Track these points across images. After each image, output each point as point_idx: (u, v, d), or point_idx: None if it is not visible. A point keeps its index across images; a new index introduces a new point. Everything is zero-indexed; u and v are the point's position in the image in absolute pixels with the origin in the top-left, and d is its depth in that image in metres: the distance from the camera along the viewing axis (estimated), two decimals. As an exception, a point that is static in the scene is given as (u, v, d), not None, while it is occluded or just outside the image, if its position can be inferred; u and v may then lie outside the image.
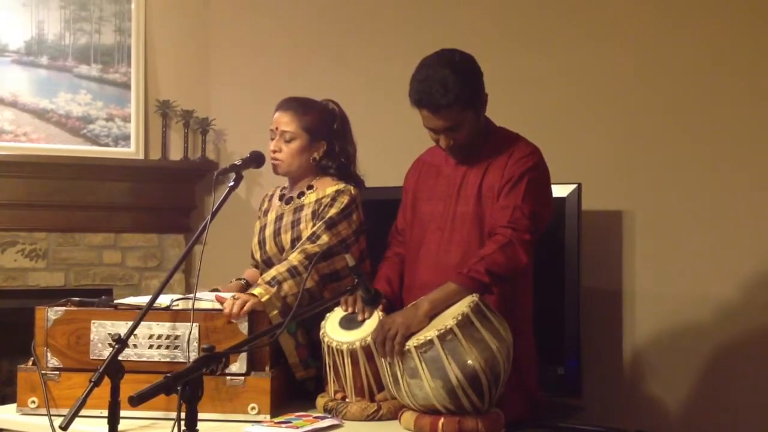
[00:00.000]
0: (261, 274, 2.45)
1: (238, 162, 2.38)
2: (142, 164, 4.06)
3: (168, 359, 2.18)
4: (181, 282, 3.96)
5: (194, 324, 2.17)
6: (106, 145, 4.04)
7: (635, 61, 3.18)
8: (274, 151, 2.53)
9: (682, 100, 3.09)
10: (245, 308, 2.18)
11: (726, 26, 3.02)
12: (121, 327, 2.14)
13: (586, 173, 3.02)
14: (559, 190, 2.79)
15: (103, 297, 2.33)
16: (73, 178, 3.96)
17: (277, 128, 2.54)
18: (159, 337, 2.19)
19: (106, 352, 2.11)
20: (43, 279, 3.95)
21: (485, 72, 2.31)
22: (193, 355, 2.14)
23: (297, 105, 2.55)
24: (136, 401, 1.41)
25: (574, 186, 2.92)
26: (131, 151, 4.06)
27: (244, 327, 2.18)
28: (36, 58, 4.00)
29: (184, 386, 1.44)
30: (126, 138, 4.07)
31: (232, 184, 2.32)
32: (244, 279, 2.62)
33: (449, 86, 2.19)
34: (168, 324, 2.19)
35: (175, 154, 4.11)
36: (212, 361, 1.51)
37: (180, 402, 1.45)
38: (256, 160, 2.45)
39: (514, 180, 2.25)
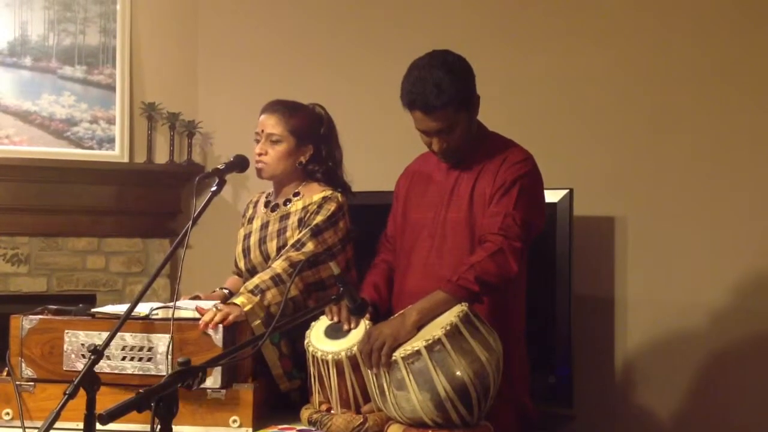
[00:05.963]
0: (244, 283, 2.38)
1: (220, 166, 2.32)
2: (127, 168, 3.99)
3: (141, 372, 2.12)
4: (167, 287, 3.90)
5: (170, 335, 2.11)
6: (91, 147, 3.97)
7: (628, 67, 3.16)
8: (260, 154, 2.47)
9: (675, 107, 3.07)
10: (228, 321, 2.12)
11: (721, 32, 3.01)
12: (95, 337, 2.09)
13: (578, 178, 2.99)
14: (551, 196, 2.76)
15: (81, 306, 2.26)
16: (57, 181, 3.89)
17: (262, 131, 2.48)
18: (132, 348, 2.13)
19: (79, 364, 2.06)
20: (25, 284, 3.88)
21: (477, 76, 2.27)
22: (166, 369, 2.08)
23: (284, 107, 2.49)
24: (106, 420, 1.34)
25: (565, 191, 2.89)
26: (116, 154, 3.99)
27: (218, 339, 2.11)
28: (19, 59, 3.93)
29: (158, 402, 1.37)
30: (111, 141, 4.00)
31: (214, 188, 2.26)
32: (227, 289, 2.56)
33: (443, 87, 2.14)
34: (142, 335, 2.13)
35: (161, 157, 4.05)
36: (188, 375, 1.44)
37: (153, 419, 1.38)
38: (240, 164, 2.38)
39: (506, 186, 2.21)
